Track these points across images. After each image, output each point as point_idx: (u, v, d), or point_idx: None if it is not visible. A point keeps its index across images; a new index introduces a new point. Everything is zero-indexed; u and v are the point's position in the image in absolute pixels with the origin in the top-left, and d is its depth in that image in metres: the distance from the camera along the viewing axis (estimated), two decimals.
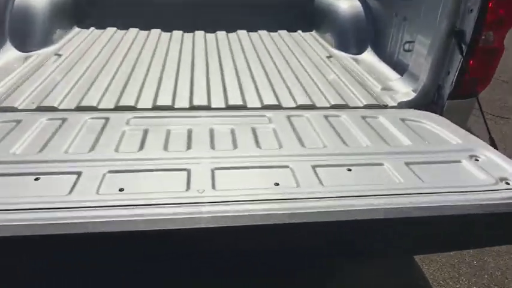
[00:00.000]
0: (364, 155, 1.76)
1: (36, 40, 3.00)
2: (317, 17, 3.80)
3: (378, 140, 1.90)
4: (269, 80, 2.58)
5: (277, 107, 2.25)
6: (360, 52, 3.23)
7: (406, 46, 2.68)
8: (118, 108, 2.16)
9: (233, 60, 2.94)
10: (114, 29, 3.54)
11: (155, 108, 2.19)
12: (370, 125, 2.05)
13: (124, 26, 3.60)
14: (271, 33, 3.64)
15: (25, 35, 2.97)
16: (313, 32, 3.76)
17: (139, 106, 2.19)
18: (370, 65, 3.01)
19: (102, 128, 1.93)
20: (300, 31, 3.73)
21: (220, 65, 2.84)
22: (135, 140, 1.83)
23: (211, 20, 3.74)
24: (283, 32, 3.67)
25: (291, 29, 3.75)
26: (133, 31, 3.50)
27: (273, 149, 1.80)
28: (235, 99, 2.30)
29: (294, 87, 2.49)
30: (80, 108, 2.15)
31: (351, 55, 3.21)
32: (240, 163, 1.66)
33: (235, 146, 1.80)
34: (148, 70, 2.67)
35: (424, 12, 2.44)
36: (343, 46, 3.31)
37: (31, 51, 2.94)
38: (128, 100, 2.23)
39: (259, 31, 3.66)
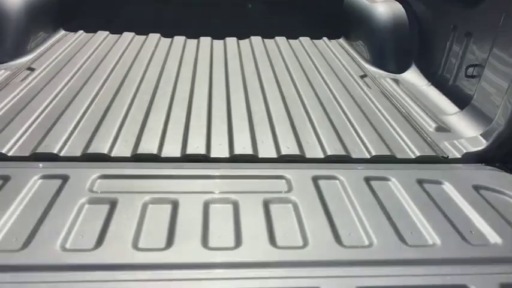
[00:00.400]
0: (434, 265, 1.13)
1: (6, 49, 2.42)
2: (346, 21, 3.12)
3: (450, 232, 1.26)
4: (288, 114, 1.96)
5: (299, 158, 1.63)
6: (401, 70, 2.57)
7: (470, 70, 2.01)
8: (85, 158, 1.56)
9: (243, 81, 2.31)
10: (106, 33, 2.93)
11: (134, 158, 1.59)
12: (432, 199, 1.41)
13: (118, 29, 3.00)
14: (291, 41, 2.99)
15: None
16: (342, 40, 3.09)
17: (114, 154, 1.59)
18: (415, 89, 2.35)
19: (54, 197, 1.33)
20: (325, 38, 3.07)
21: (227, 87, 2.22)
22: (94, 225, 1.23)
23: (220, 23, 3.11)
24: (306, 40, 3.01)
25: (315, 35, 3.09)
26: (127, 36, 2.89)
27: (295, 248, 1.17)
28: (243, 146, 1.68)
29: (320, 126, 1.86)
30: (35, 157, 1.56)
31: (389, 74, 2.55)
32: (243, 282, 1.06)
33: (238, 241, 1.18)
34: (134, 96, 2.05)
35: (503, 27, 1.77)
36: (379, 61, 2.64)
37: (0, 63, 2.38)
38: (100, 144, 1.63)
39: (277, 38, 3.01)
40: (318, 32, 3.10)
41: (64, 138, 1.65)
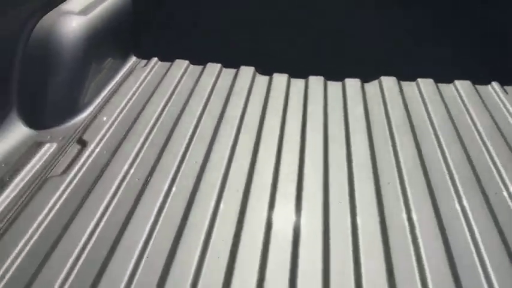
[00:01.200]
0: None
1: (55, 108, 1.77)
2: None
3: None
4: None
5: None
6: None
7: None
8: None
9: (375, 175, 1.44)
10: (186, 63, 2.17)
11: None
12: None
13: (202, 54, 2.23)
14: (441, 86, 1.98)
15: (38, 99, 1.77)
16: None
17: None
18: None
19: None
20: (495, 84, 1.98)
21: (352, 200, 1.35)
22: None
23: (335, 55, 2.17)
24: (465, 86, 1.97)
25: (475, 75, 2.03)
26: (212, 69, 2.11)
27: None
28: None
29: None
30: None
31: None
32: None
33: None
34: (216, 211, 1.31)
35: None
36: None
37: (45, 127, 1.72)
38: None
39: (420, 80, 2.02)
40: (479, 69, 2.04)
41: None
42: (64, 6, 1.94)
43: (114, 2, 2.13)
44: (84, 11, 1.96)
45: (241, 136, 1.66)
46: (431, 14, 2.34)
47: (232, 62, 2.13)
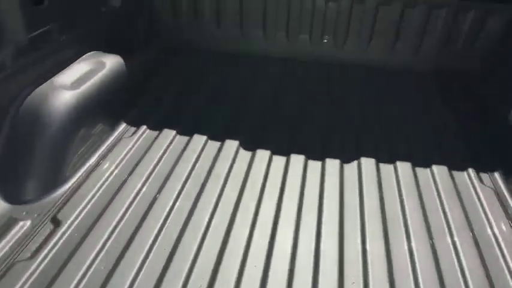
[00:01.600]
0: None
1: (35, 183, 1.76)
2: None
3: None
4: None
5: None
6: None
7: None
8: None
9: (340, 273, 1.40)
10: (173, 133, 2.18)
11: None
12: None
13: (192, 123, 2.26)
14: (418, 171, 1.95)
15: (20, 173, 1.77)
16: None
17: None
18: None
19: None
20: (472, 171, 1.94)
21: None
22: None
23: (317, 134, 2.19)
24: (441, 173, 1.93)
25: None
26: (198, 141, 2.11)
27: None
28: None
29: None
30: None
31: None
32: None
33: None
34: None
35: None
36: None
37: (23, 203, 1.69)
38: None
39: (398, 163, 2.00)
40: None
41: None
42: (57, 79, 1.98)
43: (108, 73, 2.17)
44: (76, 84, 1.99)
45: (213, 222, 1.64)
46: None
47: (217, 133, 2.15)
